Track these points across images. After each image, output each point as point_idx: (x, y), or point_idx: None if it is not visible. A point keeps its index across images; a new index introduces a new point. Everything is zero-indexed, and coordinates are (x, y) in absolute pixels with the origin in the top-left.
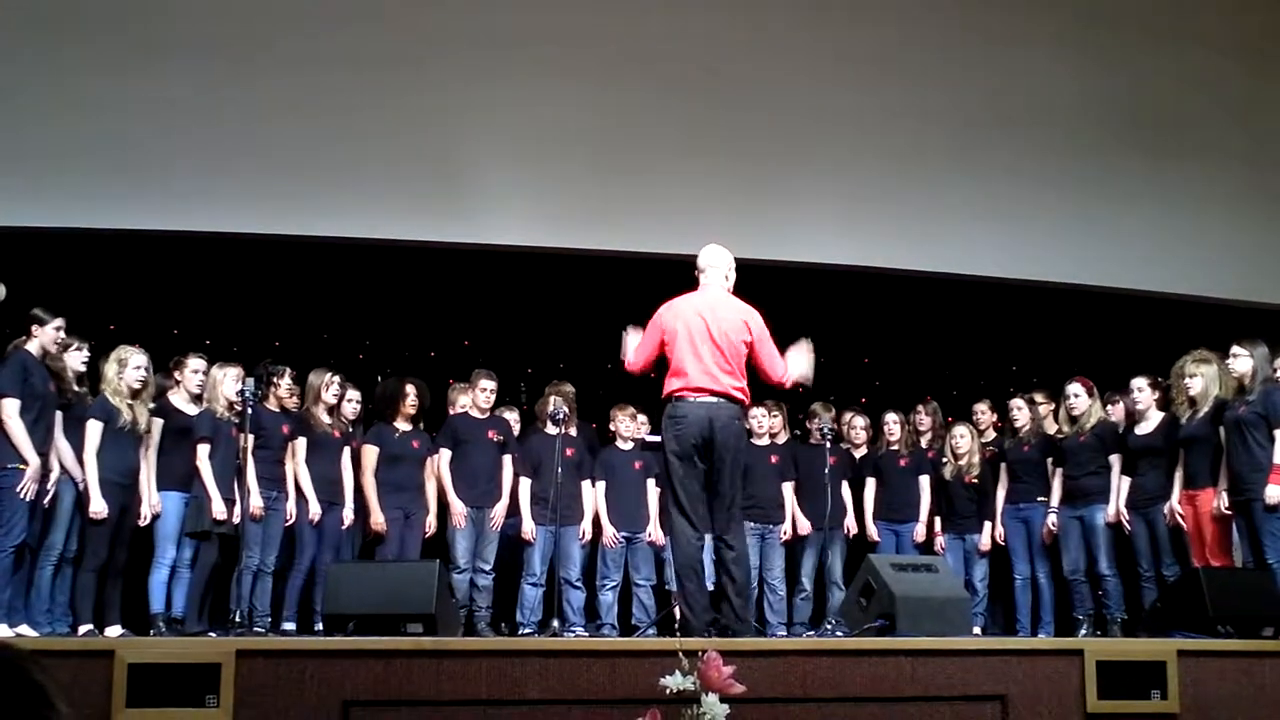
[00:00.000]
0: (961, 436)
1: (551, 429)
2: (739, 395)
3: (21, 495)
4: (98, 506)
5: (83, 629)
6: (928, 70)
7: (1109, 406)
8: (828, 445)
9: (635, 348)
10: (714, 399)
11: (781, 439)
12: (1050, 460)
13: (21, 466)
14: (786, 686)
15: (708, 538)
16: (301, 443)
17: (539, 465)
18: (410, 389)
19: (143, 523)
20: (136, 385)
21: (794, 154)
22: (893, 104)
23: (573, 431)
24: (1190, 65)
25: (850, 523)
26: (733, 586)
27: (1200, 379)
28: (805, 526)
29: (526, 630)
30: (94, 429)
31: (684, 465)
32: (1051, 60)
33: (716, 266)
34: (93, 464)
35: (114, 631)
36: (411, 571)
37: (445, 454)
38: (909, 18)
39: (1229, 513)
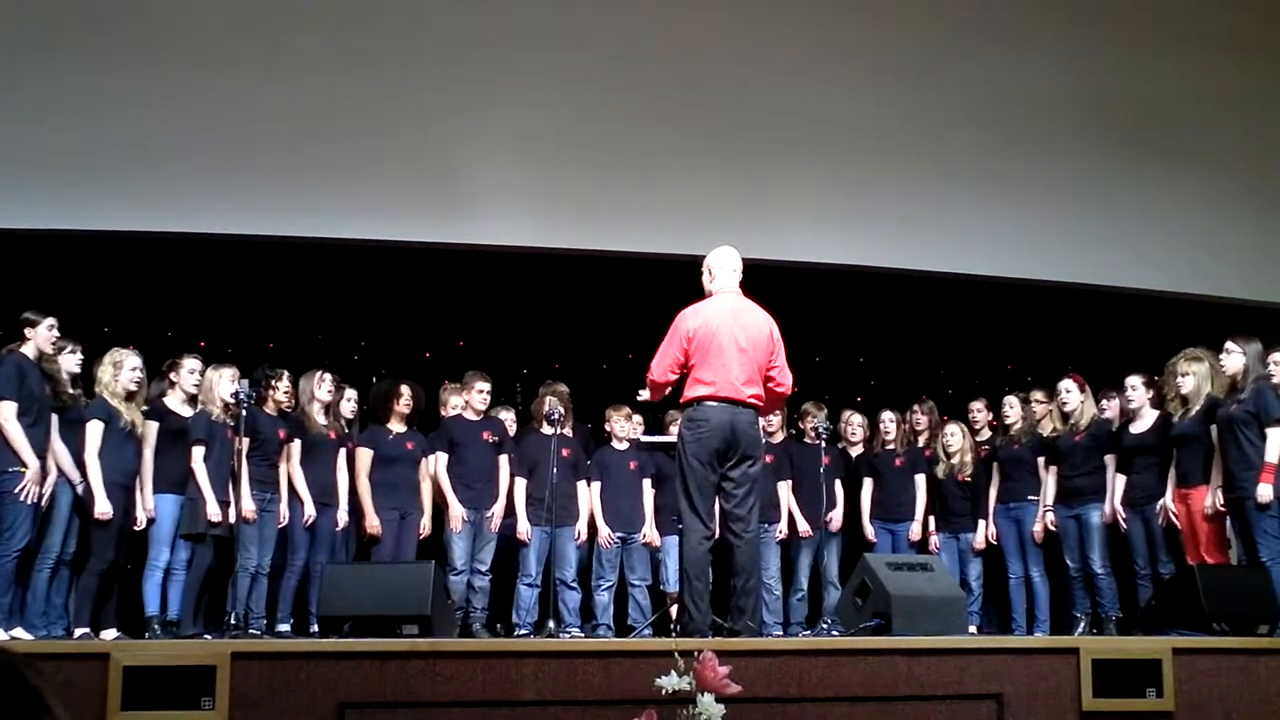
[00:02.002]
0: (953, 435)
1: (547, 429)
2: (756, 402)
3: (23, 498)
4: (103, 508)
5: (78, 631)
6: (923, 70)
7: (1103, 403)
8: (823, 444)
9: (658, 360)
10: (735, 405)
11: (778, 438)
12: (1043, 459)
13: (21, 470)
14: (782, 686)
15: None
16: (297, 444)
17: (535, 466)
18: (404, 390)
19: (139, 526)
20: (133, 387)
21: (790, 154)
22: (889, 104)
23: (568, 432)
24: (1187, 64)
25: (837, 518)
26: (740, 589)
27: (1192, 377)
28: (806, 530)
29: (522, 631)
30: (95, 430)
31: (702, 468)
32: (1047, 60)
33: (736, 269)
34: (95, 465)
35: (109, 634)
36: (407, 573)
37: (442, 457)
38: (907, 18)
39: (1223, 510)
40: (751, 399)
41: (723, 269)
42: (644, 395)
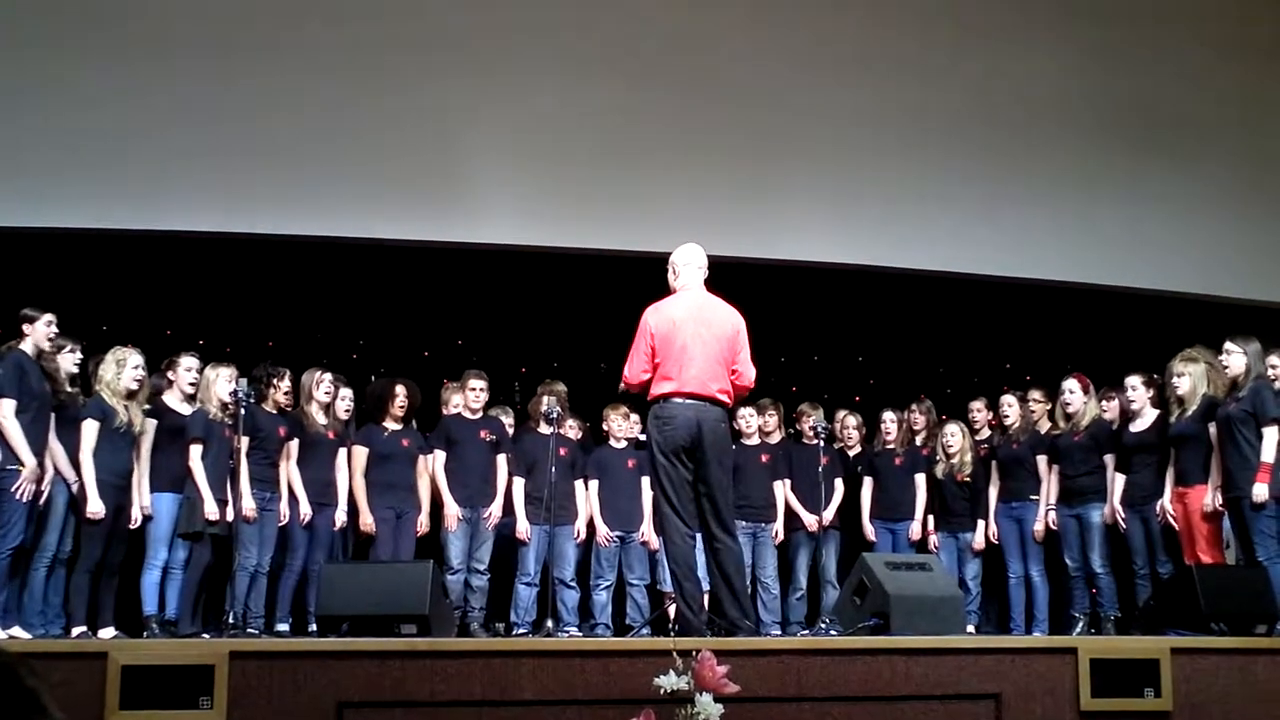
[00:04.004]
0: (953, 435)
1: (545, 429)
2: (724, 399)
3: (19, 496)
4: (95, 507)
5: (76, 631)
6: (922, 68)
7: (1103, 403)
8: (821, 444)
9: (629, 363)
10: (701, 402)
11: (775, 438)
12: (1046, 458)
13: (19, 468)
14: (781, 686)
15: (698, 537)
16: (295, 444)
17: (533, 465)
18: (399, 389)
19: (133, 525)
20: (134, 386)
21: (788, 152)
22: (887, 102)
23: (566, 431)
24: (1188, 64)
25: (830, 513)
26: (730, 590)
27: (1187, 378)
28: (811, 521)
29: (521, 630)
30: (90, 429)
31: (673, 465)
32: (1046, 58)
33: (701, 266)
34: (89, 464)
35: (107, 633)
36: (405, 572)
37: (440, 455)
38: (905, 16)
39: (1221, 509)
40: (718, 394)
41: (688, 266)
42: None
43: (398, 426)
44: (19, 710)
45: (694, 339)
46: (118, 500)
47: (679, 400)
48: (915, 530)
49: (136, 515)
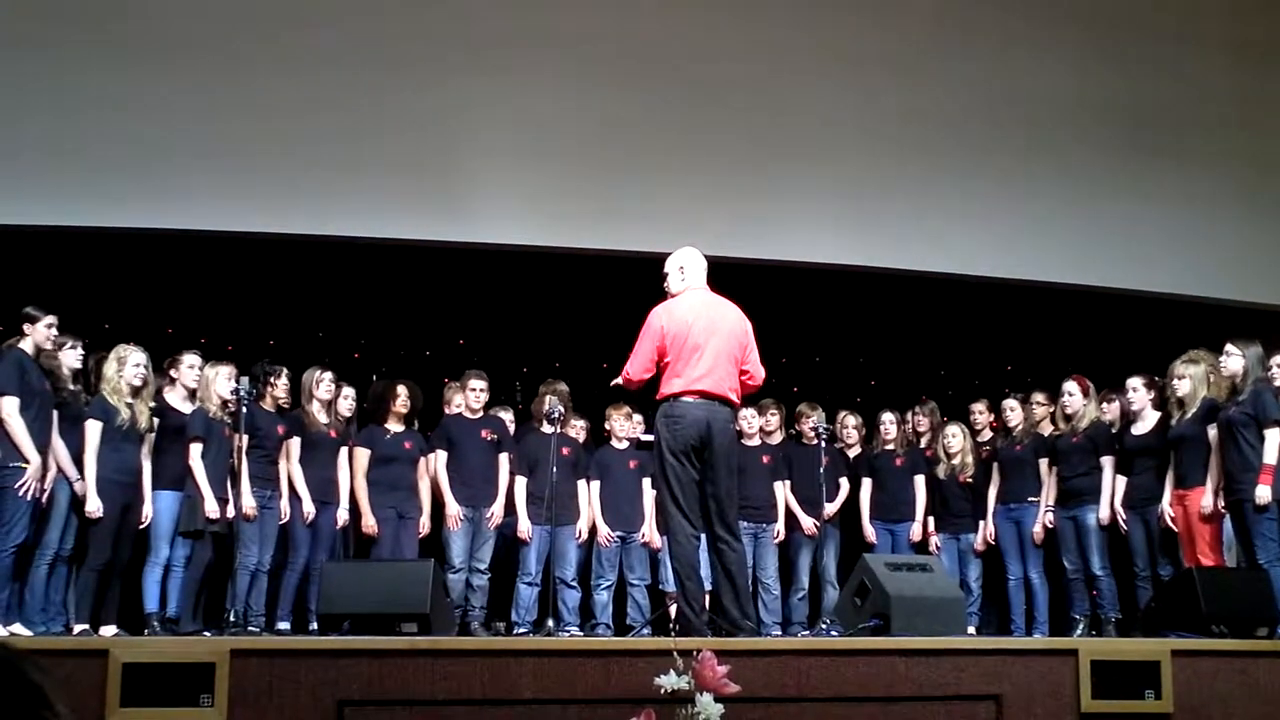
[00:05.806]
0: (954, 436)
1: (547, 428)
2: (734, 399)
3: (22, 494)
4: (92, 506)
5: (78, 628)
6: (924, 70)
7: (1105, 405)
8: (822, 445)
9: (633, 359)
10: (712, 401)
11: (776, 439)
12: (1047, 460)
13: (23, 465)
14: (781, 686)
15: (703, 538)
16: (296, 442)
17: (535, 465)
18: (401, 389)
19: (144, 523)
20: (136, 384)
21: (789, 153)
22: (889, 103)
23: (571, 432)
24: (1186, 65)
25: (831, 509)
26: (732, 590)
27: (1188, 380)
28: (809, 525)
29: (521, 630)
30: (93, 429)
31: (681, 464)
32: (1047, 60)
33: (703, 269)
34: (91, 464)
35: (108, 631)
36: (406, 571)
37: (441, 455)
38: (906, 17)
39: (1222, 511)
40: (730, 393)
41: (692, 267)
42: (619, 382)
43: (400, 428)
44: (25, 705)
45: (707, 339)
46: (125, 499)
47: (689, 399)
48: (916, 531)
49: (148, 513)
